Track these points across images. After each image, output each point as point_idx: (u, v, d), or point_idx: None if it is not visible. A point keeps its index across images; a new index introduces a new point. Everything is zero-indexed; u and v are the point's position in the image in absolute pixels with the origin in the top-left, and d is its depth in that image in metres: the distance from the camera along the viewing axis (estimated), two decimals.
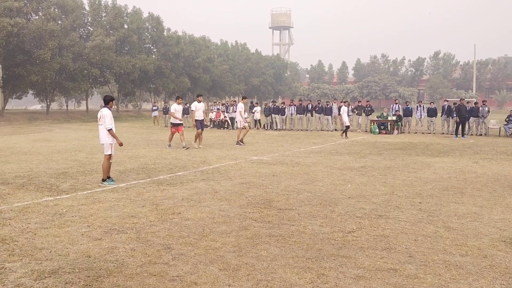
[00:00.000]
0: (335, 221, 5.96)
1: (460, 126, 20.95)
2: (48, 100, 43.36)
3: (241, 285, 3.89)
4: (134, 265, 4.33)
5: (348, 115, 22.07)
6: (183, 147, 15.12)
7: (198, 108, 15.84)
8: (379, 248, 4.88)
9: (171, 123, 15.92)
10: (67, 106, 54.47)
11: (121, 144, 8.73)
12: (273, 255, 4.66)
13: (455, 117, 22.75)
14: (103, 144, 8.72)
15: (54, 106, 56.17)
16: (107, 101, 8.82)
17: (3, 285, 3.85)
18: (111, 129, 8.60)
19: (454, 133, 21.46)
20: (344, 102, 25.00)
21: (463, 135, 21.07)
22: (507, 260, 4.53)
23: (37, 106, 68.93)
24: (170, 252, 4.71)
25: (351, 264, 4.39)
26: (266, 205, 6.86)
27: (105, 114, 8.58)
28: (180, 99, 16.33)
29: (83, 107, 58.86)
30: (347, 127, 20.79)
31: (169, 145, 15.76)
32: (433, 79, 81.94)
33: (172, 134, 15.73)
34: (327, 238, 5.22)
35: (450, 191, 8.02)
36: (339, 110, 26.43)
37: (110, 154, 8.68)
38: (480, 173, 10.11)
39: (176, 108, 15.56)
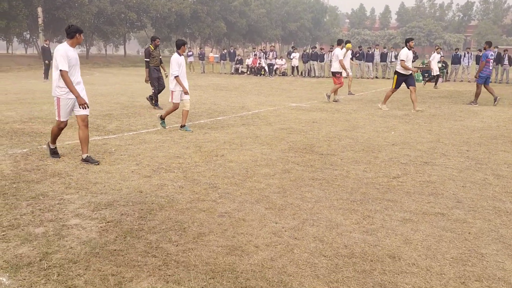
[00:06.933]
0: (379, 167, 5.91)
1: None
2: (87, 44, 44.04)
3: (288, 223, 3.98)
4: (184, 201, 4.49)
5: (438, 61, 20.59)
6: (331, 98, 13.52)
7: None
8: (425, 193, 4.83)
9: (335, 72, 13.61)
10: (105, 50, 55.17)
11: (186, 93, 8.16)
12: (317, 197, 4.71)
13: (506, 64, 21.65)
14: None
15: (93, 50, 56.91)
16: (179, 45, 8.12)
17: (64, 215, 4.10)
18: (177, 75, 8.03)
19: None
20: (437, 49, 20.89)
21: None
22: None
23: (77, 50, 70.30)
24: (216, 191, 4.84)
25: (397, 208, 4.38)
26: (308, 150, 6.85)
27: (172, 60, 8.10)
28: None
29: (121, 51, 59.34)
30: (437, 76, 19.79)
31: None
32: (482, 25, 77.04)
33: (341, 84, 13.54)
34: (372, 183, 5.20)
35: (499, 140, 7.74)
36: (381, 57, 25.54)
37: (178, 102, 8.28)
38: None
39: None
